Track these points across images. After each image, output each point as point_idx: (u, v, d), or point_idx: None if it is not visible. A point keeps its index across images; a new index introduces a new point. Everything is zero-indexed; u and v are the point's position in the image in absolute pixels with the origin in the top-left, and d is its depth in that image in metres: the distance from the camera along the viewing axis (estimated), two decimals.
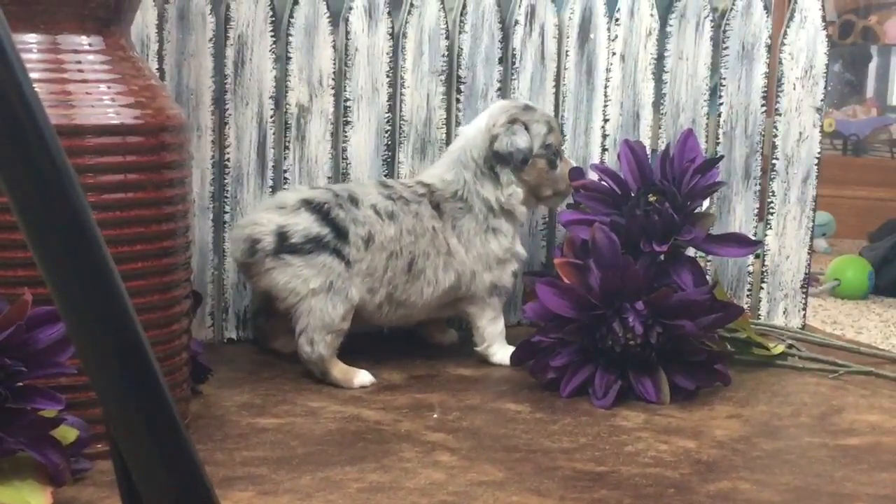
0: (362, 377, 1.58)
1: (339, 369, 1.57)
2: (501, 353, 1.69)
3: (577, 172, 1.76)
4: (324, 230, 1.57)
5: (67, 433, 1.12)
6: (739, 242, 1.67)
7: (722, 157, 1.90)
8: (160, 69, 1.69)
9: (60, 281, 0.50)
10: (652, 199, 1.61)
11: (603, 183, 1.67)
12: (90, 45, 1.24)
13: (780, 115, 1.95)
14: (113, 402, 0.52)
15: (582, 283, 1.55)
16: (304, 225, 1.57)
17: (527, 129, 1.68)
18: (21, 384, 1.07)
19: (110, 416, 0.53)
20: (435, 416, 1.44)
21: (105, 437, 1.20)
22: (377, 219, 1.61)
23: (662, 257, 1.61)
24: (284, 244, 1.57)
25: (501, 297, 1.72)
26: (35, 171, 0.50)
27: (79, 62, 1.22)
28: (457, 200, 1.68)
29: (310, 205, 1.59)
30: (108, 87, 1.23)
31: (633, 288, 1.52)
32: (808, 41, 1.94)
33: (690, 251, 1.70)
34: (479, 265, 1.68)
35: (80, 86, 1.21)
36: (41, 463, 1.08)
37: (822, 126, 1.97)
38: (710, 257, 1.92)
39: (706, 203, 1.73)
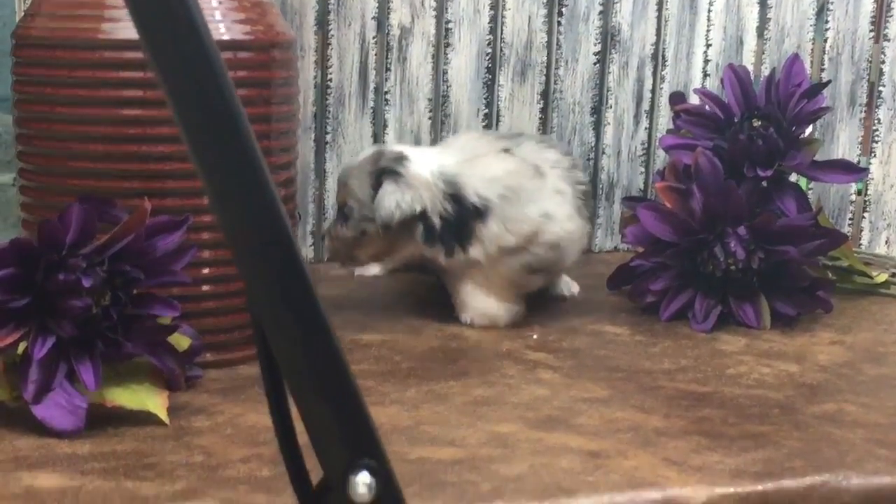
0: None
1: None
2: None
3: (678, 97, 1.74)
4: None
5: (181, 341, 1.15)
6: (845, 169, 1.64)
7: (829, 81, 1.86)
8: None
9: (214, 173, 0.52)
10: (756, 123, 1.59)
11: (706, 108, 1.65)
12: None
13: (888, 40, 1.91)
14: (264, 296, 0.53)
15: (684, 208, 1.54)
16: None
17: None
18: (138, 291, 1.10)
19: (260, 313, 0.54)
20: (535, 336, 1.45)
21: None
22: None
23: (765, 183, 1.59)
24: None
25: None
26: (188, 65, 0.51)
27: None
28: None
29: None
30: (219, 3, 1.24)
31: (735, 213, 1.51)
32: None
33: (793, 177, 1.68)
34: None
35: None
36: (157, 368, 1.11)
37: None
38: (811, 184, 1.89)
39: (808, 129, 1.70)
